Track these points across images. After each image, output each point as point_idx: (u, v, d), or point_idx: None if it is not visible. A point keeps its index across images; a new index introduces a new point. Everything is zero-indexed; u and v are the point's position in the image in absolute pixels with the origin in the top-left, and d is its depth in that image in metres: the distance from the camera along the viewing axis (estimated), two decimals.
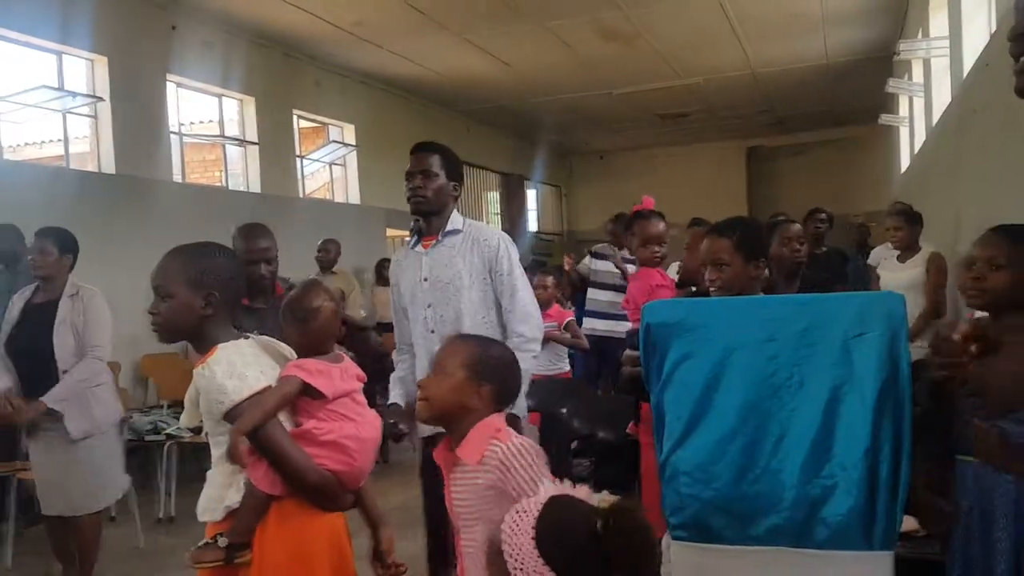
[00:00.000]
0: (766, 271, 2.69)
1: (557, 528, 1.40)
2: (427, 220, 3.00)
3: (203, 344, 2.04)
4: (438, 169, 2.96)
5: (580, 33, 9.54)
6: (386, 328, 7.46)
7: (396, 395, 3.07)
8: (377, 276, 9.69)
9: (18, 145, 11.58)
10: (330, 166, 11.19)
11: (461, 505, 1.96)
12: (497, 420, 1.97)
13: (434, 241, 2.99)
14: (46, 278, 4.01)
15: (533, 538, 1.38)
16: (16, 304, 4.07)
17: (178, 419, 5.94)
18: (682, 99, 12.81)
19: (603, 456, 4.12)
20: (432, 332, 2.93)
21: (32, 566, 4.69)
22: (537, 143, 16.03)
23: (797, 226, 3.89)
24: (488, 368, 1.97)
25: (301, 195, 10.28)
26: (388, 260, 10.17)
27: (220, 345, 2.02)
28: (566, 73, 11.12)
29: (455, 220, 3.01)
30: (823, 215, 6.43)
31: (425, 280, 2.96)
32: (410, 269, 3.03)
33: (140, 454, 6.02)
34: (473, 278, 2.92)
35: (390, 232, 11.74)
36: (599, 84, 11.75)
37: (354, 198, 11.15)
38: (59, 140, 8.00)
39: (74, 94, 7.29)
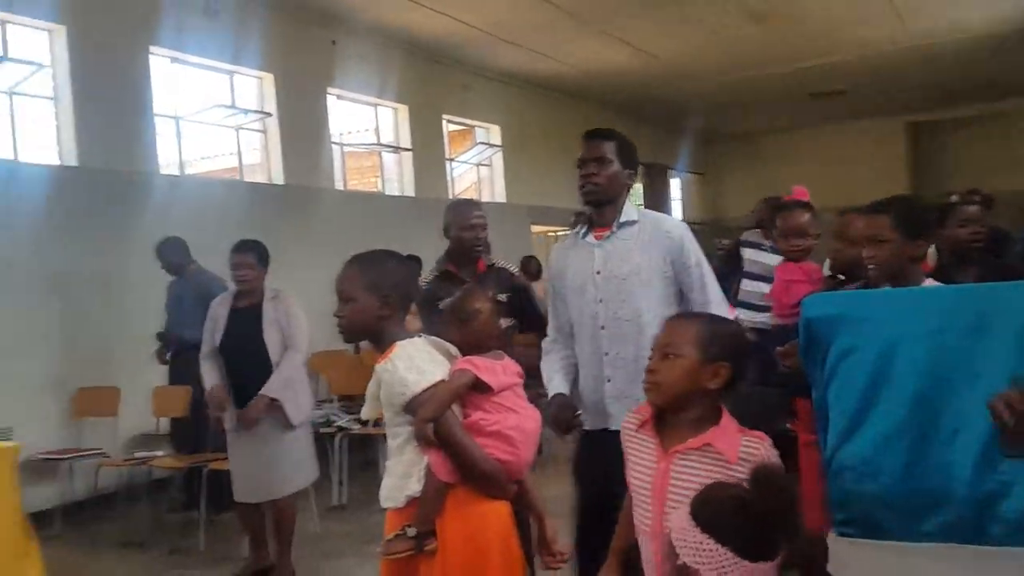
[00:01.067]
0: (927, 251, 2.57)
1: (708, 501, 1.56)
2: (599, 210, 2.83)
3: (382, 342, 2.21)
4: (612, 156, 2.78)
5: (724, 16, 9.34)
6: None
7: (558, 384, 2.91)
8: (523, 271, 9.88)
9: (194, 159, 12.54)
10: (477, 167, 11.48)
11: (678, 487, 1.81)
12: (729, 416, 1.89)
13: (608, 232, 2.81)
14: (246, 290, 4.48)
15: (689, 513, 1.55)
16: (219, 309, 4.54)
17: (348, 412, 6.33)
18: (834, 76, 12.27)
19: None
20: (603, 329, 2.78)
21: (222, 551, 5.09)
22: (680, 131, 15.79)
23: (975, 207, 3.69)
24: (722, 345, 1.84)
25: (451, 197, 10.62)
26: (532, 257, 10.37)
27: (399, 342, 2.19)
28: (710, 58, 10.91)
29: (629, 211, 2.82)
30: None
31: (598, 273, 2.79)
32: (579, 260, 2.87)
33: (313, 445, 6.42)
34: (652, 272, 2.74)
35: (535, 228, 11.93)
36: (745, 66, 11.45)
37: (500, 196, 11.40)
38: (231, 153, 8.66)
39: (246, 111, 7.87)
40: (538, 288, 8.86)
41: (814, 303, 2.10)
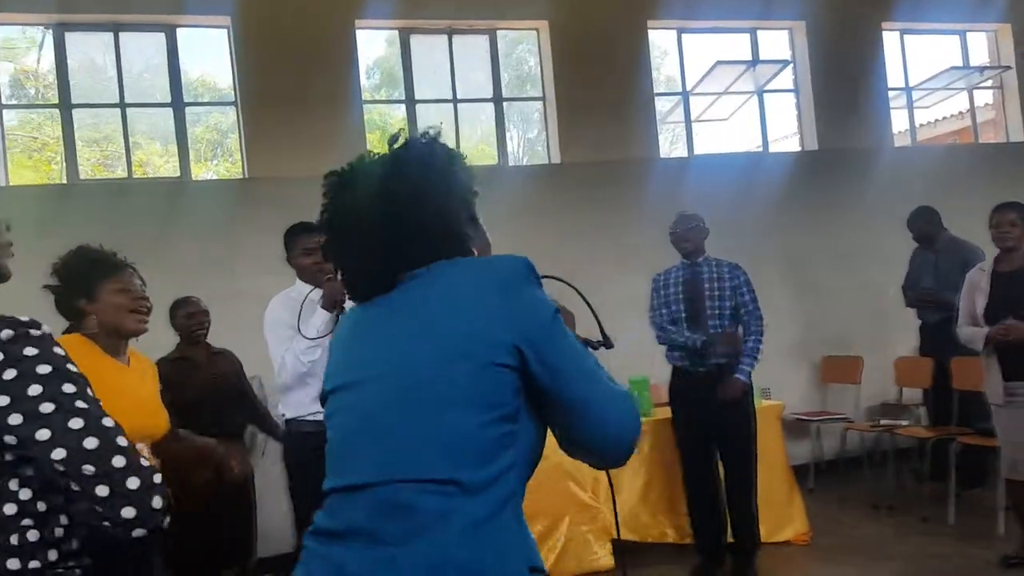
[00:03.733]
0: None
1: None
2: None
3: None
4: None
5: None
6: None
7: None
8: None
9: (922, 125, 12.22)
10: None
11: None
12: None
13: None
14: (1010, 249, 4.27)
15: None
16: (977, 276, 4.40)
17: None
18: None
19: None
20: None
21: (975, 527, 4.96)
22: None
23: None
24: None
25: None
26: None
27: None
28: None
29: None
30: None
31: None
32: None
33: None
34: None
35: None
36: None
37: None
38: (959, 114, 8.23)
39: (981, 68, 7.42)
40: None
41: None
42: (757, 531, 4.53)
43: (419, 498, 1.23)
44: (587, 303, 1.52)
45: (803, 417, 6.36)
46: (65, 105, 5.66)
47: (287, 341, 3.32)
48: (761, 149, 7.17)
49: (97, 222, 4.86)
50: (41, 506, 1.20)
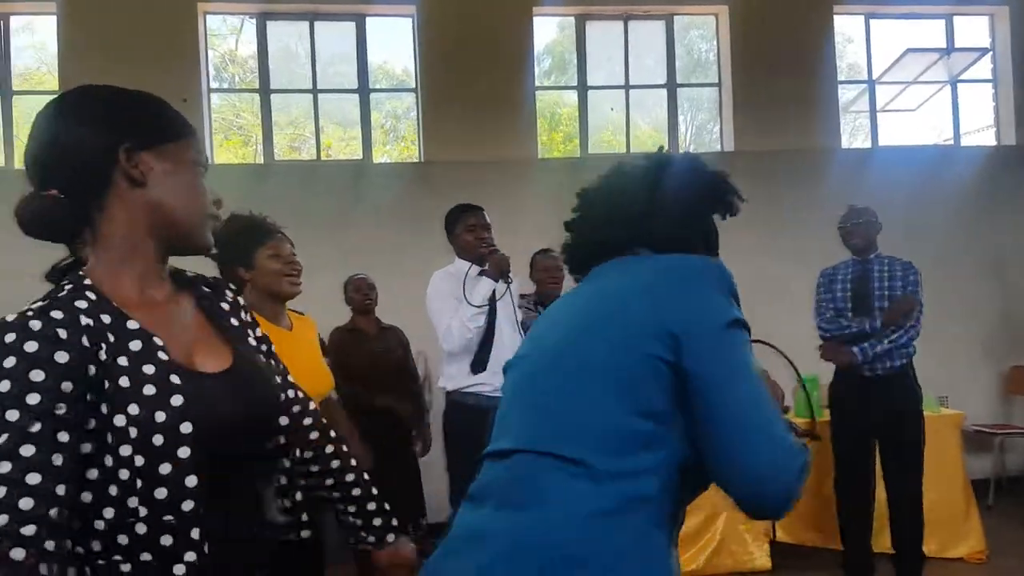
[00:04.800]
0: None
1: None
2: None
3: None
4: None
5: None
6: None
7: None
8: None
9: None
10: None
11: None
12: None
13: None
14: None
15: None
16: None
17: None
18: None
19: None
20: None
21: None
22: None
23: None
24: None
25: None
26: None
27: None
28: None
29: None
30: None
31: None
32: None
33: None
34: None
35: None
36: None
37: None
38: None
39: None
40: None
41: None
42: (921, 546, 4.26)
43: (543, 471, 1.19)
44: (803, 386, 1.53)
45: (985, 429, 5.96)
46: (264, 90, 6.10)
47: (452, 310, 3.50)
48: (952, 142, 6.73)
49: (289, 200, 5.24)
50: (113, 490, 1.11)
